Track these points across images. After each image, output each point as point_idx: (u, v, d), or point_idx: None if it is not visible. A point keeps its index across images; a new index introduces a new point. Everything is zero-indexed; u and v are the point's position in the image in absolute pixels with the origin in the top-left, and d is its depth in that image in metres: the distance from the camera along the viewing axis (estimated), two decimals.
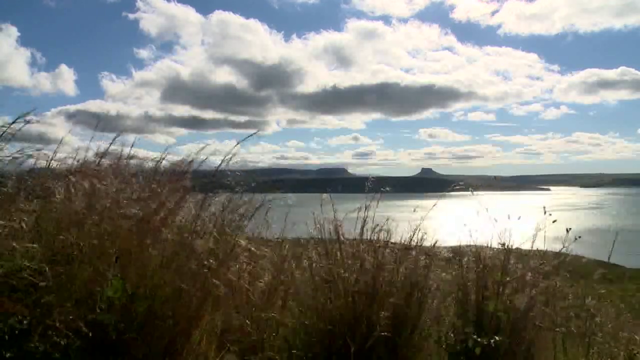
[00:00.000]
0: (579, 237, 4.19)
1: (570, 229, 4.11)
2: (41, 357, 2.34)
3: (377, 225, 3.90)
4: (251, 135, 3.53)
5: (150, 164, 3.60)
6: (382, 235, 3.93)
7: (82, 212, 2.75)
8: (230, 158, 3.39)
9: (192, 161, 3.45)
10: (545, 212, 4.02)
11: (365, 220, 3.88)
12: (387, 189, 3.99)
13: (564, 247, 4.22)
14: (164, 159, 3.58)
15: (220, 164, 3.41)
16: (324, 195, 3.94)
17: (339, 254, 3.75)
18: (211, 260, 2.93)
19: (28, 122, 2.95)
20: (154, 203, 2.96)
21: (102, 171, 3.24)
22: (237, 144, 3.40)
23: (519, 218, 4.04)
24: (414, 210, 4.16)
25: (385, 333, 3.44)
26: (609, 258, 4.39)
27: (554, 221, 3.98)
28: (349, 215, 3.91)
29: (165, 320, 2.73)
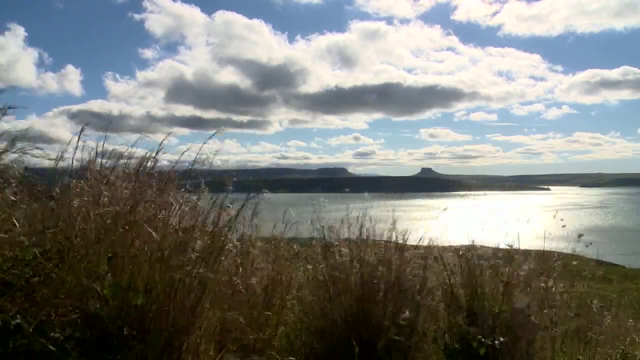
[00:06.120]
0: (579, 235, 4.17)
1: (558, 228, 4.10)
2: (37, 353, 2.29)
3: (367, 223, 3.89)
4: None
5: (149, 164, 3.57)
6: (384, 235, 3.93)
7: (79, 210, 2.72)
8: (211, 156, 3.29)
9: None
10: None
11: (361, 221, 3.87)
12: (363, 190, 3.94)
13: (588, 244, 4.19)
14: (158, 158, 3.54)
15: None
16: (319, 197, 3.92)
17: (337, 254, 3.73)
18: (206, 256, 2.89)
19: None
20: (142, 200, 2.93)
21: (101, 171, 3.21)
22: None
23: (528, 220, 4.02)
24: (415, 209, 4.15)
25: (396, 337, 3.42)
26: None
27: (580, 236, 3.99)
28: (350, 215, 3.90)
29: (162, 315, 2.69)
